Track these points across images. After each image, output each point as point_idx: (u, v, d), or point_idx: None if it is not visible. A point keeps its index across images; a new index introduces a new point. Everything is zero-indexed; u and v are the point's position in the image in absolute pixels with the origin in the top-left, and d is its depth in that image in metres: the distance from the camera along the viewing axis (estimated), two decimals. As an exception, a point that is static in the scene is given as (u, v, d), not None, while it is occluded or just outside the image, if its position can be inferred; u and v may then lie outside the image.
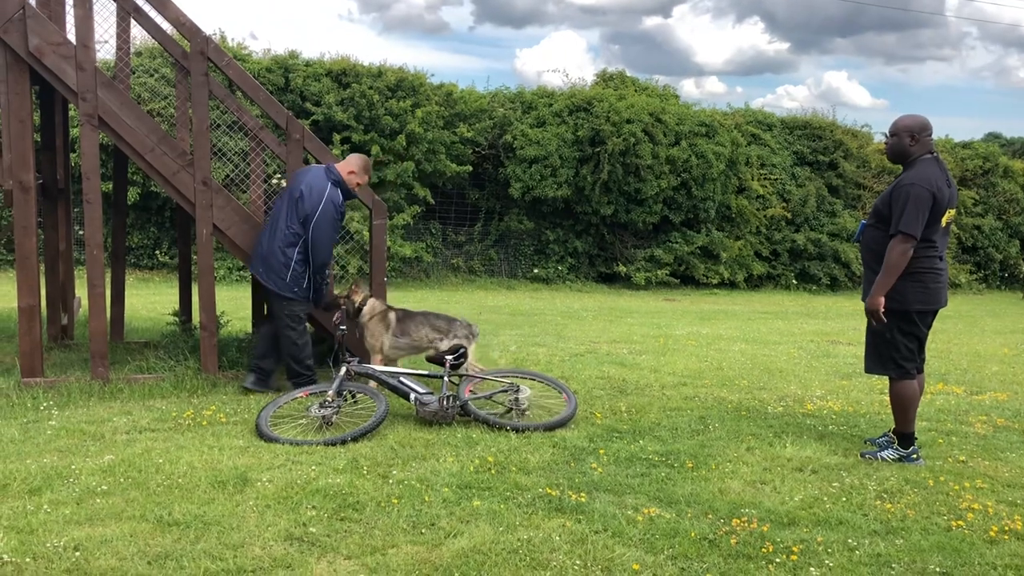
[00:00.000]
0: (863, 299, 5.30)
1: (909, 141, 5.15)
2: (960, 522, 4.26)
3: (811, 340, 10.99)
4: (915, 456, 5.28)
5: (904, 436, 5.31)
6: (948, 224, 5.22)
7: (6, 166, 6.30)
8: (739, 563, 3.71)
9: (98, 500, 4.21)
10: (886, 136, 5.34)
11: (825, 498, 4.56)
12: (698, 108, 20.34)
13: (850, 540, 3.99)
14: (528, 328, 11.28)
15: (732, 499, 4.50)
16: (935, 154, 5.18)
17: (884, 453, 5.34)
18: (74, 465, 4.71)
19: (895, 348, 5.23)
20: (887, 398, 7.03)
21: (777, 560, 3.74)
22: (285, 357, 6.49)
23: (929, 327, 5.33)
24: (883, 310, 5.10)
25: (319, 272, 6.38)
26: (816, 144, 21.27)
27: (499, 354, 8.75)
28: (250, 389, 6.50)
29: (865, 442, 5.70)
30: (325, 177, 6.34)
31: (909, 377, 5.27)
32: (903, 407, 5.29)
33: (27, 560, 3.52)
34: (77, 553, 3.60)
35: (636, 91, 19.67)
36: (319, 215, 6.22)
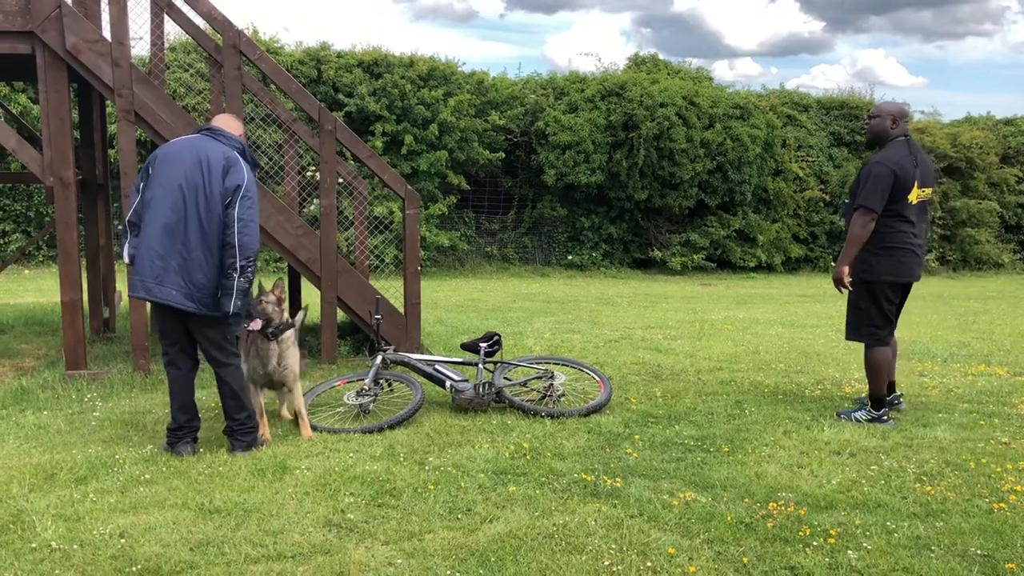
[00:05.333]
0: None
1: (890, 124, 5.59)
2: (1002, 504, 4.19)
3: (850, 323, 10.84)
4: (885, 417, 5.65)
5: (876, 399, 5.68)
6: (924, 202, 5.60)
7: (47, 163, 6.43)
8: (776, 547, 3.70)
9: (142, 489, 4.30)
10: (867, 118, 5.76)
11: (863, 481, 4.52)
12: (732, 90, 20.10)
13: (889, 523, 3.95)
14: (562, 315, 11.27)
15: (769, 483, 4.47)
16: (907, 136, 5.61)
17: (857, 414, 5.73)
18: (118, 455, 4.81)
19: (867, 316, 5.61)
20: (926, 380, 7.03)
21: (815, 543, 3.72)
22: (226, 400, 4.90)
23: (902, 300, 5.71)
24: (849, 280, 5.54)
25: (250, 268, 4.73)
26: (853, 124, 20.93)
27: (533, 341, 8.76)
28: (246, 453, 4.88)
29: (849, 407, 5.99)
30: (223, 144, 4.84)
31: (882, 344, 5.63)
32: (876, 371, 5.63)
33: (75, 547, 3.61)
34: (122, 540, 3.68)
35: (669, 74, 19.49)
36: (248, 187, 4.73)
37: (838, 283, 5.60)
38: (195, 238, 4.64)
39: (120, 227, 12.73)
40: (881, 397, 5.65)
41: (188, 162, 4.70)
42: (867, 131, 5.76)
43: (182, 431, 4.88)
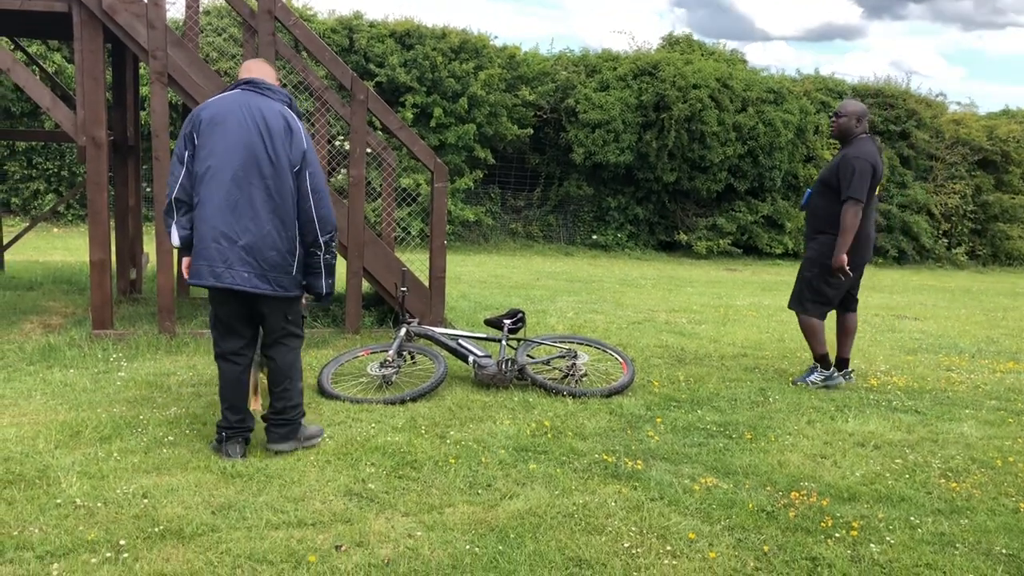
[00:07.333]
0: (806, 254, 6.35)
1: (855, 123, 6.11)
2: (1029, 504, 4.14)
3: (876, 314, 10.74)
4: (835, 375, 6.36)
5: (821, 359, 6.33)
6: (877, 193, 6.21)
7: (80, 122, 6.45)
8: (797, 536, 3.67)
9: (165, 450, 4.33)
10: (834, 116, 6.27)
11: (887, 474, 4.47)
12: (766, 74, 19.87)
13: (912, 518, 3.91)
14: (586, 295, 11.23)
15: (791, 472, 4.44)
16: (869, 134, 6.20)
17: (811, 377, 6.35)
18: (142, 416, 4.85)
19: (821, 294, 6.23)
20: (953, 375, 6.98)
21: (836, 535, 3.69)
22: (289, 383, 4.40)
23: (857, 280, 6.30)
24: (847, 265, 6.00)
25: (334, 243, 4.39)
26: (888, 113, 20.63)
27: (556, 320, 8.73)
28: (284, 450, 4.39)
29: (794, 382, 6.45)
30: (272, 99, 4.29)
31: (815, 317, 6.29)
32: (813, 334, 6.31)
33: (98, 505, 3.64)
34: (145, 500, 3.71)
35: (703, 56, 19.27)
36: (310, 151, 4.28)
37: (840, 271, 6.02)
38: (264, 211, 4.12)
39: (149, 189, 12.76)
40: (824, 355, 6.32)
41: (242, 125, 4.13)
42: (834, 128, 6.25)
43: (232, 430, 4.33)
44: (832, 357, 6.57)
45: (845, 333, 6.50)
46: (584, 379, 5.94)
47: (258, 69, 4.42)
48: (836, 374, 6.37)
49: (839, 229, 5.99)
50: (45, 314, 7.64)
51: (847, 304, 6.46)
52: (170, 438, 4.50)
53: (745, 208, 18.70)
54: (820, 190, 6.20)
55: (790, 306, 6.47)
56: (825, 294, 6.21)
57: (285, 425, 4.36)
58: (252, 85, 4.28)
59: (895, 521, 3.86)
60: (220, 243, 4.09)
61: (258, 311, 4.31)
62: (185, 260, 4.32)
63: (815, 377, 6.35)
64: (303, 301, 4.60)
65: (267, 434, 4.39)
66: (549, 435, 4.85)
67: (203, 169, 4.13)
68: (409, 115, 16.01)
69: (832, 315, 6.60)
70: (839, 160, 6.08)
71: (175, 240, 4.28)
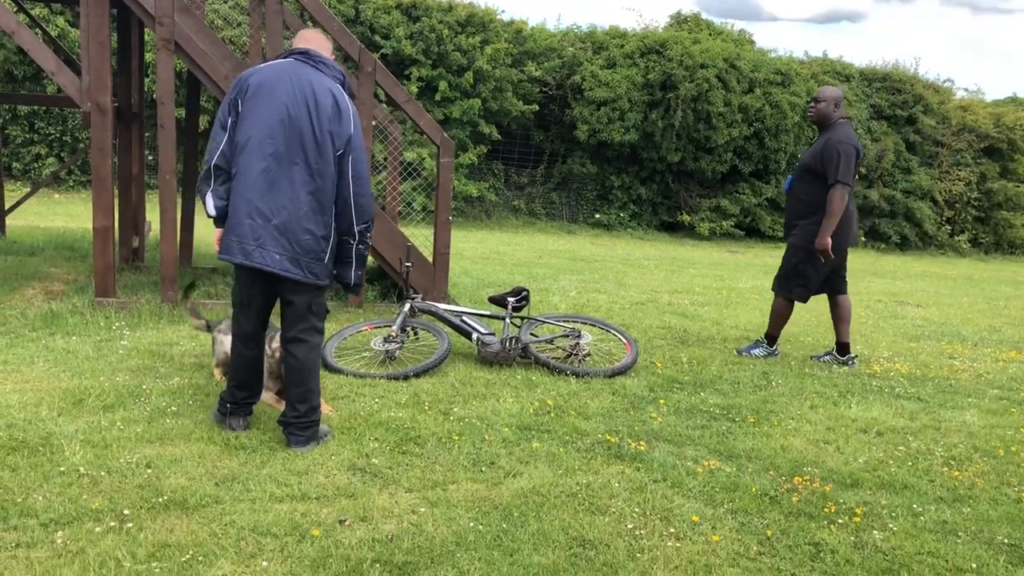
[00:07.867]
0: (785, 239, 6.47)
1: (833, 108, 6.22)
2: (1031, 494, 4.14)
3: (879, 300, 10.73)
4: (775, 352, 6.67)
5: (771, 338, 6.67)
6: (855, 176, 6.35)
7: (85, 88, 6.39)
8: (800, 522, 3.67)
9: (168, 420, 4.32)
10: (812, 101, 6.35)
11: (890, 461, 4.47)
12: (774, 55, 19.73)
13: (915, 505, 3.91)
14: (588, 274, 11.21)
15: (794, 457, 4.44)
16: (846, 118, 6.29)
17: (755, 351, 6.66)
18: (145, 385, 4.84)
19: (804, 278, 6.34)
20: (956, 363, 6.97)
21: (839, 521, 3.69)
22: (313, 382, 4.13)
23: (842, 262, 6.40)
24: (828, 247, 6.08)
25: (369, 233, 4.12)
26: (895, 98, 20.51)
27: (559, 299, 8.71)
28: (307, 451, 4.08)
29: (812, 356, 6.75)
30: (324, 74, 4.04)
31: (800, 300, 6.47)
32: (780, 318, 6.60)
33: (102, 473, 3.63)
34: (149, 470, 3.70)
35: (711, 35, 19.12)
36: (357, 136, 4.04)
37: (823, 253, 6.12)
38: (303, 191, 3.89)
39: (152, 158, 12.69)
40: (775, 337, 6.65)
41: (289, 96, 3.90)
42: (812, 114, 6.32)
43: (237, 405, 4.26)
44: (833, 344, 6.64)
45: (840, 318, 6.55)
46: (587, 359, 5.93)
47: (314, 40, 4.16)
48: (777, 351, 6.68)
49: (824, 213, 6.07)
50: (47, 280, 7.62)
51: (837, 287, 6.51)
52: (173, 408, 4.49)
53: (749, 190, 18.64)
54: (802, 175, 6.27)
55: (774, 289, 6.58)
56: (810, 277, 6.32)
57: (309, 427, 4.10)
58: (306, 56, 4.04)
59: (898, 508, 3.86)
60: (254, 219, 3.89)
61: (284, 297, 4.10)
62: (216, 233, 4.13)
63: (758, 351, 6.64)
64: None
65: (289, 437, 4.09)
66: (552, 414, 4.85)
67: (244, 139, 3.91)
68: (414, 88, 15.91)
69: (824, 302, 6.74)
70: (822, 146, 6.13)
71: (210, 210, 4.06)
